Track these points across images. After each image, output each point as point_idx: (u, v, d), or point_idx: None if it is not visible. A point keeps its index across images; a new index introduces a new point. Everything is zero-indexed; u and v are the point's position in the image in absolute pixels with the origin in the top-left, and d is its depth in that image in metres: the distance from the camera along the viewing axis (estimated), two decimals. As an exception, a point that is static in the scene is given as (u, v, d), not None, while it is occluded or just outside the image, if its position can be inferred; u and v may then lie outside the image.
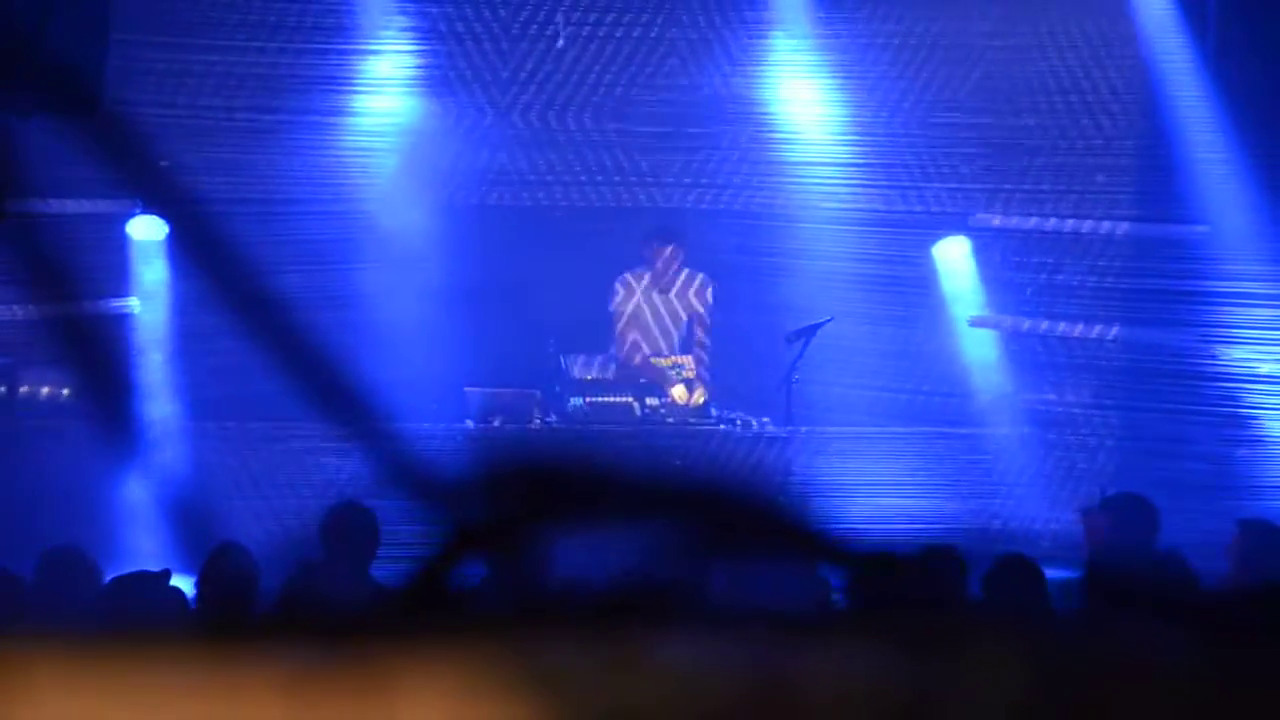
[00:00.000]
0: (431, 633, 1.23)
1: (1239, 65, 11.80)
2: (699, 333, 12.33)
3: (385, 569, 7.30)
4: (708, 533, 1.32)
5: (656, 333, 12.32)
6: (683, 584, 1.29)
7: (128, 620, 6.03)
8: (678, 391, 11.93)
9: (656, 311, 12.33)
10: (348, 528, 7.43)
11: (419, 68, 12.54)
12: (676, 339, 12.32)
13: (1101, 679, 1.25)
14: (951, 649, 1.22)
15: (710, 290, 12.35)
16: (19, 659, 1.15)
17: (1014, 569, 6.45)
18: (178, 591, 6.89)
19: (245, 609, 6.54)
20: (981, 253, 12.83)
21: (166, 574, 6.96)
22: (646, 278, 12.31)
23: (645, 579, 1.29)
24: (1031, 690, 1.23)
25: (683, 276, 12.34)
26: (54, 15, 8.35)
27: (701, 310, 12.34)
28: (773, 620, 1.26)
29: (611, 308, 12.32)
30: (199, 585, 6.95)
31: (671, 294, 12.32)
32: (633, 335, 12.28)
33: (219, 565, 7.11)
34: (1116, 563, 8.02)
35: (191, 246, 11.51)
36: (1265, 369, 12.08)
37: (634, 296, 12.31)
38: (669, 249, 12.23)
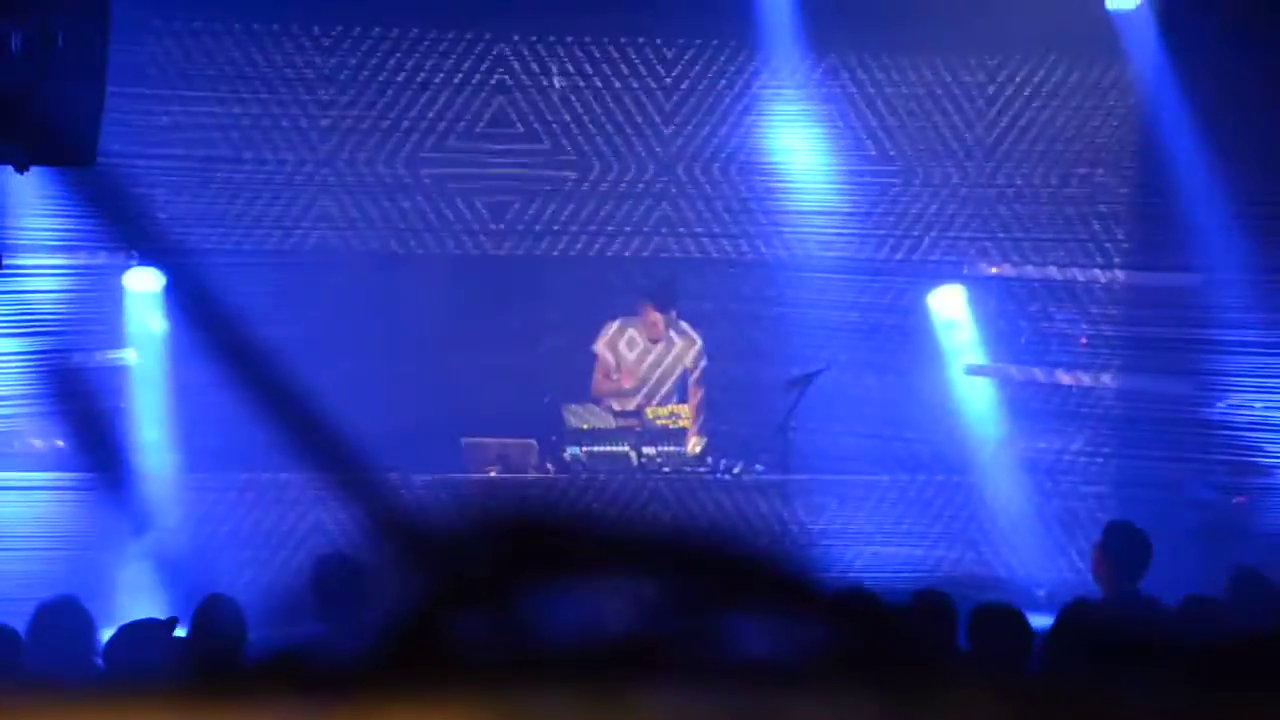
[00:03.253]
0: (423, 686, 1.23)
1: (1233, 113, 11.81)
2: (693, 383, 12.36)
3: (378, 621, 7.27)
4: (702, 586, 1.32)
5: (649, 383, 12.34)
6: (677, 637, 1.29)
7: (123, 672, 6.01)
8: (661, 440, 11.93)
9: (649, 363, 12.35)
10: (340, 580, 7.41)
11: (414, 116, 12.57)
12: (672, 389, 12.33)
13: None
14: (939, 701, 1.22)
15: (700, 342, 12.38)
16: (14, 713, 1.16)
17: (997, 617, 6.44)
18: (181, 641, 6.88)
19: (234, 661, 6.52)
20: (977, 301, 12.83)
21: (173, 622, 6.95)
22: (636, 329, 12.36)
23: (640, 632, 1.29)
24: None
25: (674, 330, 12.38)
26: (49, 67, 8.35)
27: (693, 362, 12.38)
28: (765, 671, 1.26)
29: (595, 349, 12.34)
30: (188, 638, 6.94)
31: (661, 345, 12.35)
32: (625, 384, 12.31)
33: (208, 618, 7.10)
34: (1103, 609, 8.01)
35: (188, 298, 11.52)
36: (1263, 413, 12.08)
37: (622, 344, 12.35)
38: (658, 314, 12.31)
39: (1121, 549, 8.59)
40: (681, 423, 12.03)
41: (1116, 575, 8.50)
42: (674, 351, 12.39)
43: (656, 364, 12.39)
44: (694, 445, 11.96)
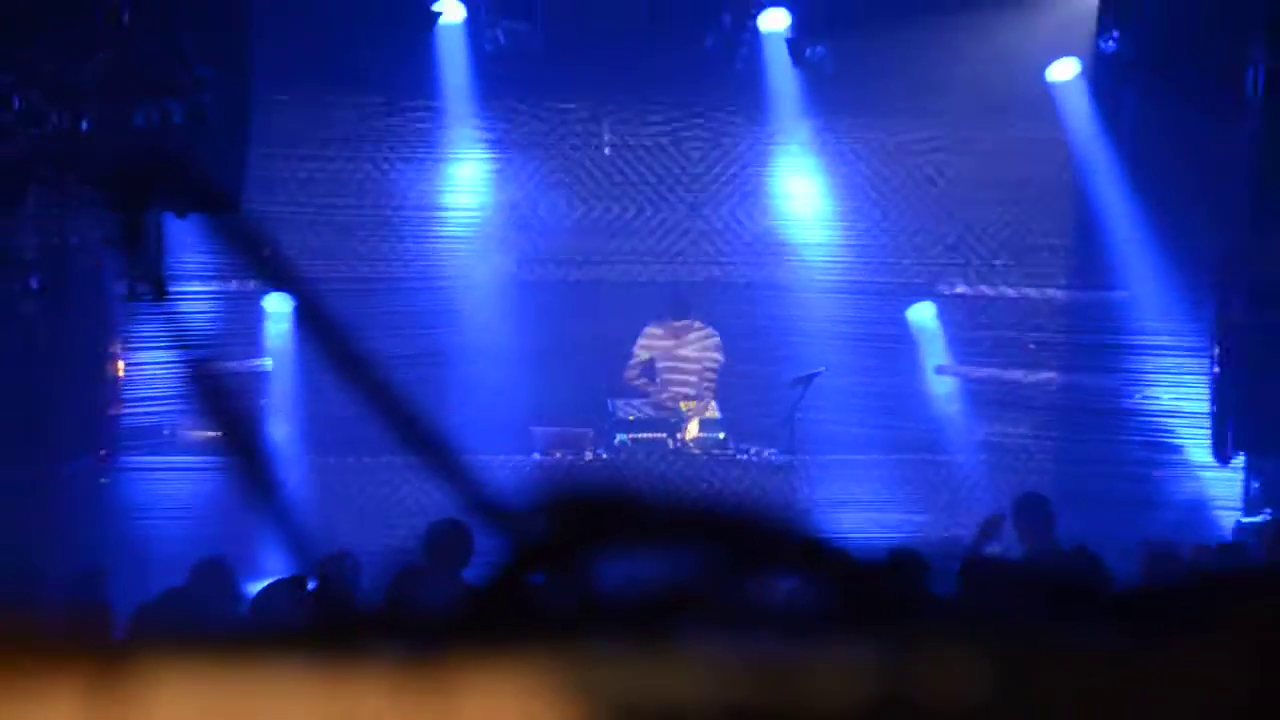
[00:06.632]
0: (505, 632, 1.21)
1: (1149, 163, 11.80)
2: (714, 380, 12.40)
3: (475, 575, 7.25)
4: (729, 549, 1.30)
5: (682, 379, 12.38)
6: (710, 593, 1.27)
7: (263, 621, 5.99)
8: (692, 428, 11.93)
9: (681, 363, 12.38)
10: (445, 540, 7.38)
11: (491, 171, 12.70)
12: (700, 384, 12.35)
13: (1051, 675, 1.22)
14: (922, 646, 1.20)
15: (718, 338, 12.37)
16: (165, 659, 1.14)
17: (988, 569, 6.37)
18: (312, 594, 6.85)
19: (352, 607, 6.51)
20: (945, 314, 12.84)
21: (303, 579, 6.94)
22: (665, 333, 12.42)
23: (679, 589, 1.27)
24: (991, 684, 1.21)
25: (697, 333, 12.43)
26: (204, 134, 8.45)
27: (715, 361, 12.41)
28: (781, 621, 1.24)
29: (636, 350, 12.35)
30: (316, 585, 6.92)
31: (688, 347, 12.39)
32: (665, 378, 12.36)
33: (331, 569, 7.10)
34: (1033, 559, 7.96)
35: (312, 317, 11.52)
36: (1173, 404, 12.08)
37: (656, 346, 12.42)
38: (682, 322, 12.34)
39: (1030, 515, 8.61)
40: (709, 413, 12.04)
41: (1031, 533, 8.51)
42: (699, 350, 12.42)
43: (690, 363, 12.41)
44: (691, 429, 11.89)
